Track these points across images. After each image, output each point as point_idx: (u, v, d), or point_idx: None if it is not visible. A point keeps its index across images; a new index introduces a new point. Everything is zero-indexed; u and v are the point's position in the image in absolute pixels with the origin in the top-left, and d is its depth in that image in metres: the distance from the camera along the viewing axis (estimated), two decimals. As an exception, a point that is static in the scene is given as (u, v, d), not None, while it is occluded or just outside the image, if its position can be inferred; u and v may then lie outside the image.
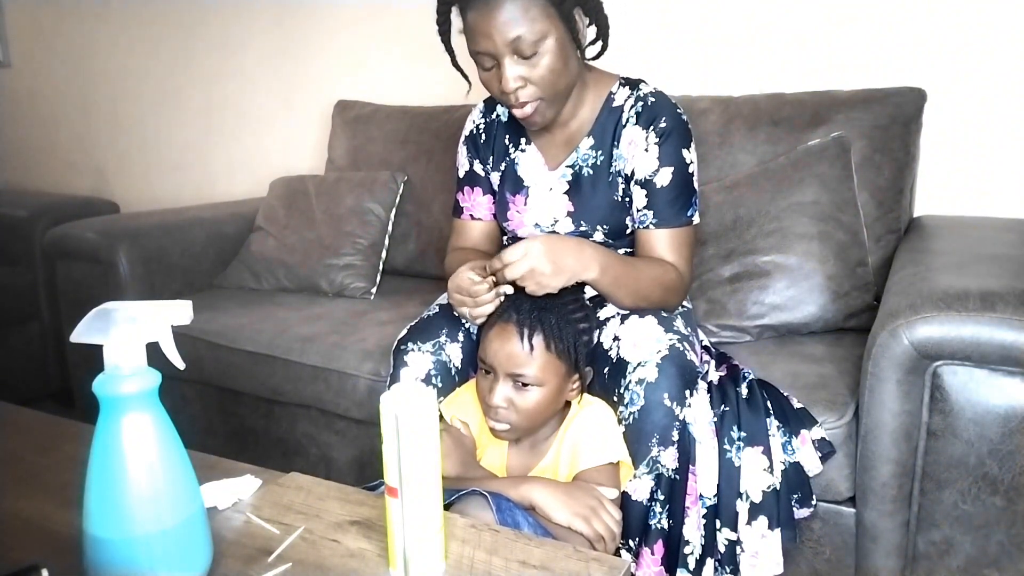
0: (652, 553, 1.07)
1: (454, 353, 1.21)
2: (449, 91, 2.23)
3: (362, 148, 2.15)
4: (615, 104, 1.26)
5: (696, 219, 1.26)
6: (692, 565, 1.09)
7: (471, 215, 1.41)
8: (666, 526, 1.07)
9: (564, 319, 1.04)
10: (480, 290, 1.08)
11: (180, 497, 0.69)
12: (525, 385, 1.02)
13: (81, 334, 0.67)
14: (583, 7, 1.16)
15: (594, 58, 1.25)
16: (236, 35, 2.60)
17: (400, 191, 2.01)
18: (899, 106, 1.55)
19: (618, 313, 1.18)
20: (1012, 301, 1.00)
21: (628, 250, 1.30)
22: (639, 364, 1.07)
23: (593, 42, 1.22)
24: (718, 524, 1.12)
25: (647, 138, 1.23)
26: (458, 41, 1.19)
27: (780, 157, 1.56)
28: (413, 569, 0.73)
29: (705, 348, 1.32)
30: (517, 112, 1.19)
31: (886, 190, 1.54)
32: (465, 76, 1.26)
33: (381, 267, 1.95)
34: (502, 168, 1.36)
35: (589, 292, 1.23)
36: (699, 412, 1.10)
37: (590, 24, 1.19)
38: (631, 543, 1.08)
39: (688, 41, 1.90)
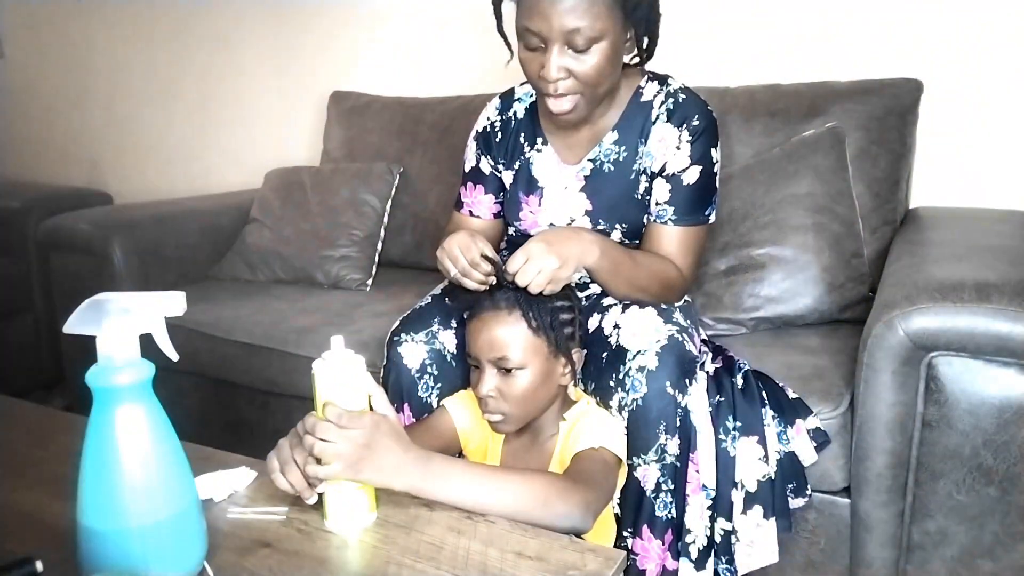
0: (663, 544, 1.07)
1: (448, 340, 1.20)
2: (444, 82, 2.22)
3: (357, 139, 2.14)
4: (643, 99, 1.23)
5: (712, 218, 1.24)
6: (695, 555, 1.10)
7: (470, 211, 1.39)
8: (674, 514, 1.07)
9: (539, 299, 1.03)
10: (477, 266, 1.05)
11: (174, 489, 0.69)
12: (509, 371, 1.01)
13: (74, 325, 0.67)
14: (647, 20, 1.13)
15: (634, 65, 1.23)
16: (231, 26, 2.58)
17: (396, 182, 2.00)
18: (896, 97, 1.55)
19: (621, 301, 1.18)
20: (1007, 292, 1.00)
21: None
22: (639, 352, 1.07)
23: (641, 53, 1.18)
24: (713, 513, 1.12)
25: (680, 136, 1.20)
26: (508, 8, 1.14)
27: (775, 149, 1.55)
28: (334, 517, 0.80)
29: (703, 341, 1.32)
30: (552, 103, 1.14)
31: (882, 181, 1.54)
32: (508, 45, 1.20)
33: (377, 258, 1.94)
34: (516, 167, 1.32)
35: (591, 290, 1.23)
36: (698, 402, 1.11)
37: (644, 35, 1.16)
38: (631, 530, 1.08)
39: (684, 31, 1.89)
